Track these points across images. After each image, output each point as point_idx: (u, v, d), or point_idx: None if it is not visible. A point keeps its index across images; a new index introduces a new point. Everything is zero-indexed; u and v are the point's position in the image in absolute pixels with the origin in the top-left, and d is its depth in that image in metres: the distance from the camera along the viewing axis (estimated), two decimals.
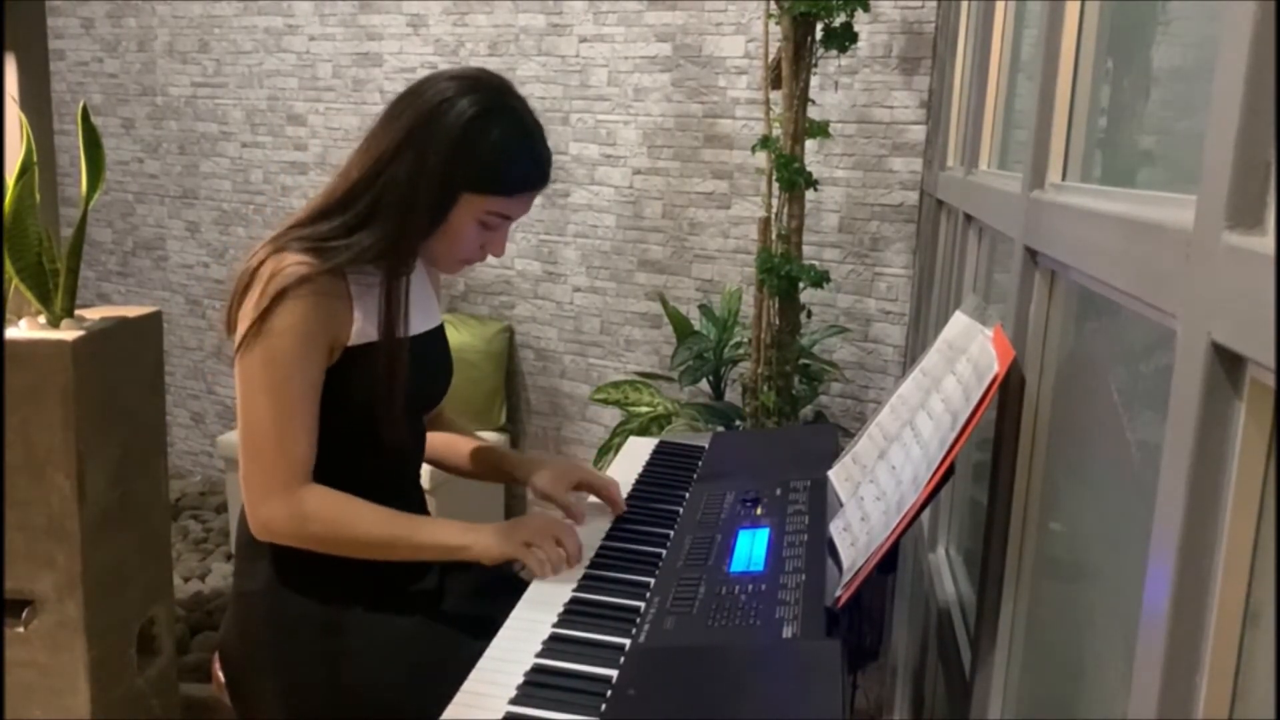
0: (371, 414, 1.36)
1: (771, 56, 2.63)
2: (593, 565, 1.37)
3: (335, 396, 1.34)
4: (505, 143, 1.34)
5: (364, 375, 1.35)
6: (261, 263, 1.31)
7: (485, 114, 1.33)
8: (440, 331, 1.55)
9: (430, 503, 1.69)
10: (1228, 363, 0.56)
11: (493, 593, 1.44)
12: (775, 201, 2.63)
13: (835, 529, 1.30)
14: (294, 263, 1.29)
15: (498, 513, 3.66)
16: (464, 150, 1.31)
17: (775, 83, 2.61)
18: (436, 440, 1.63)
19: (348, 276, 1.34)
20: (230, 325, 1.34)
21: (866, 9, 2.48)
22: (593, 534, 1.47)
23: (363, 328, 1.34)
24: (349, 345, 1.34)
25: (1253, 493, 0.57)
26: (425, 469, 1.61)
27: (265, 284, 1.29)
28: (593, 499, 1.57)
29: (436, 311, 1.55)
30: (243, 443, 1.32)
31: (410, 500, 1.52)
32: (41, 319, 2.09)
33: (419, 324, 1.46)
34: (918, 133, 2.94)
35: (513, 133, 1.35)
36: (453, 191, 1.33)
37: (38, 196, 2.07)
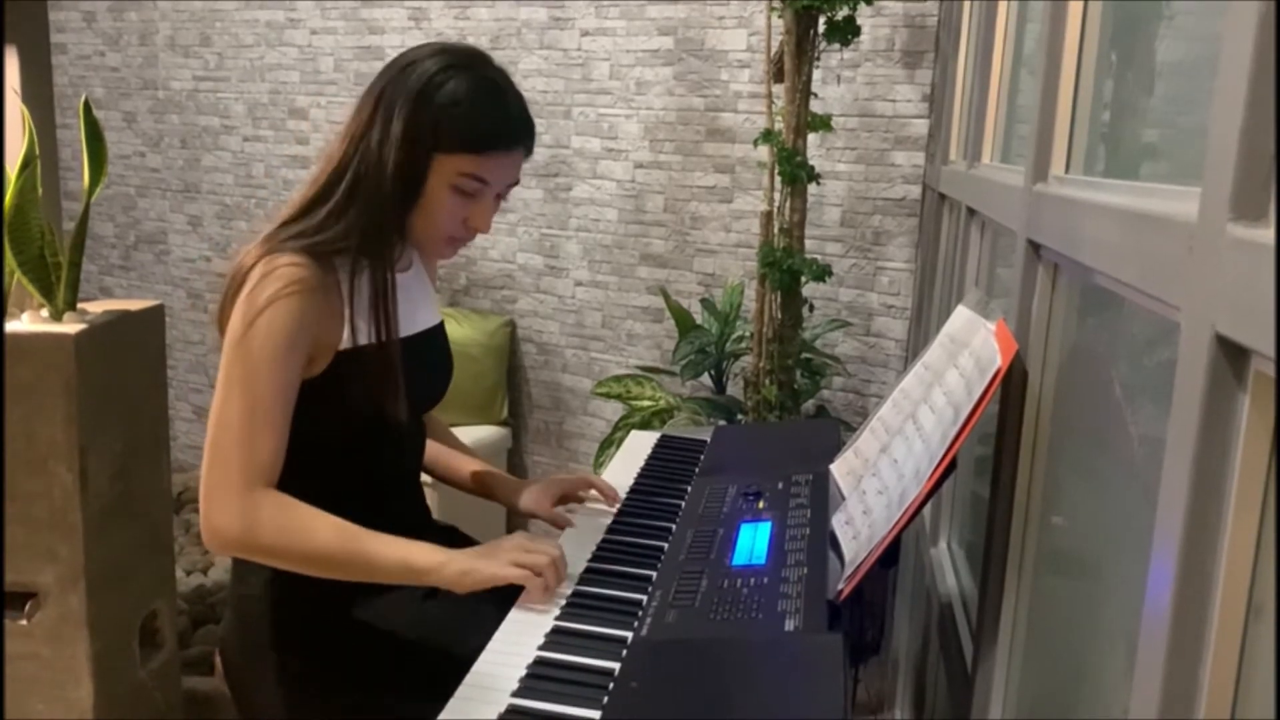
0: (370, 416, 1.33)
1: (774, 50, 2.62)
2: (595, 559, 1.37)
3: (332, 400, 1.31)
4: (468, 96, 1.29)
5: (360, 378, 1.32)
6: (255, 263, 1.28)
7: (448, 69, 1.29)
8: (440, 329, 1.53)
9: (433, 499, 1.69)
10: (1231, 355, 0.56)
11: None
12: (777, 195, 2.63)
13: (837, 522, 1.30)
14: (286, 263, 1.26)
15: (500, 510, 3.65)
16: (425, 105, 1.28)
17: (777, 76, 2.60)
18: (428, 452, 1.60)
19: (339, 275, 1.31)
20: (222, 325, 1.31)
21: (869, 2, 2.47)
22: (593, 528, 1.47)
23: (355, 329, 1.31)
24: (341, 349, 1.30)
25: (1256, 486, 0.56)
26: None
27: (255, 286, 1.26)
28: (592, 504, 1.58)
29: (436, 308, 1.53)
30: (209, 443, 1.26)
31: (411, 499, 1.51)
32: (44, 312, 2.09)
33: (421, 321, 1.44)
34: (920, 126, 2.94)
35: (477, 87, 1.30)
36: (421, 153, 1.29)
37: (40, 190, 2.07)
